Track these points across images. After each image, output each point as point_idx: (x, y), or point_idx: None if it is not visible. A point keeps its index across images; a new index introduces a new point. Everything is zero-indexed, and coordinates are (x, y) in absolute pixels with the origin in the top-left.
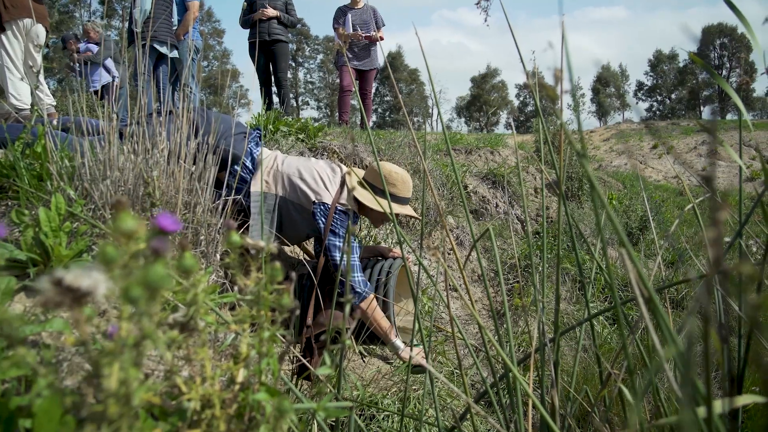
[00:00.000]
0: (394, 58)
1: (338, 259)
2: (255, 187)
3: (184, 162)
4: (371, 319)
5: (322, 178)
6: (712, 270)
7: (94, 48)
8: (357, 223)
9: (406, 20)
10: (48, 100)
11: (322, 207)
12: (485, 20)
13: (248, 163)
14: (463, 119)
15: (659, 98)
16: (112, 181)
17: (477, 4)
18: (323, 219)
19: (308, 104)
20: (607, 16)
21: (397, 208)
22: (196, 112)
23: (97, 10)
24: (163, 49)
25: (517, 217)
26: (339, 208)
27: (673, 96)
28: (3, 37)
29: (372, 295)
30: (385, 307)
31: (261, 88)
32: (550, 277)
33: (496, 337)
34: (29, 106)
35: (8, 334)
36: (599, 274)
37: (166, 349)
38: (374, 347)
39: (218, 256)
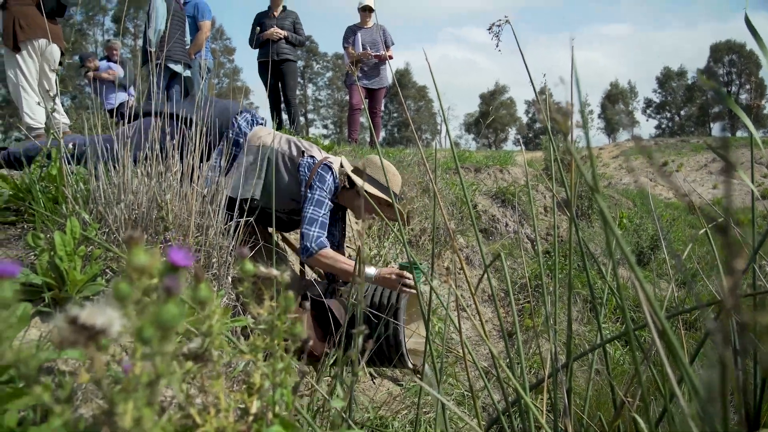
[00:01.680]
0: (402, 75)
1: (307, 210)
2: (252, 142)
3: (197, 184)
4: (327, 268)
5: (317, 147)
6: (724, 321)
7: (118, 69)
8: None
9: (413, 38)
10: (62, 119)
11: (310, 159)
12: (497, 45)
13: (245, 129)
14: (471, 135)
15: (668, 115)
16: (126, 205)
17: (489, 29)
18: (307, 171)
19: (315, 123)
20: (614, 32)
21: (380, 194)
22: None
23: (110, 29)
24: (177, 68)
25: (527, 237)
26: (325, 163)
27: (682, 113)
28: (18, 57)
29: (324, 250)
30: (395, 331)
31: (271, 108)
32: (561, 298)
33: (507, 360)
34: (43, 125)
35: (23, 373)
36: (611, 295)
37: (181, 386)
38: (385, 369)
39: (230, 279)
